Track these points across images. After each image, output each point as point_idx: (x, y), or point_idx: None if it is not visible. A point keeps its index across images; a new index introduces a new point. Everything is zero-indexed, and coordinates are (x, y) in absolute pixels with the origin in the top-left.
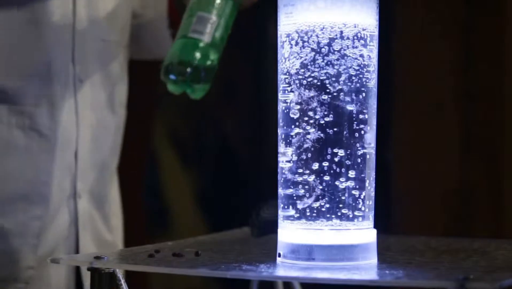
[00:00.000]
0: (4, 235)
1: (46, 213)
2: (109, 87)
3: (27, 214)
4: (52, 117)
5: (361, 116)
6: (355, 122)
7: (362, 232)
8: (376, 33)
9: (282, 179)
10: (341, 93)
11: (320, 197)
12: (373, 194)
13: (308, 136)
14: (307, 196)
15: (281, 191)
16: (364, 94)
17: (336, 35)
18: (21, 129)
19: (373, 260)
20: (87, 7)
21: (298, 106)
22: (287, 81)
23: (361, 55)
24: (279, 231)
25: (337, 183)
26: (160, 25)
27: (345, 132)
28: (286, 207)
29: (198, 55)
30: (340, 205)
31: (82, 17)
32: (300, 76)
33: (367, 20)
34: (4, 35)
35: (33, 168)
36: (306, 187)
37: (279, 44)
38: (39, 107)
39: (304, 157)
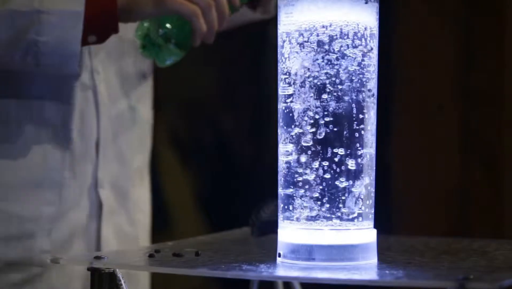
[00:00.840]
0: (18, 220)
1: (60, 198)
2: (124, 84)
3: (40, 200)
4: (64, 107)
5: (361, 116)
6: (355, 122)
7: (362, 232)
8: (376, 32)
9: (282, 179)
10: (341, 93)
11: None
12: (373, 194)
13: (308, 136)
14: (308, 196)
15: (281, 191)
16: (364, 94)
17: (336, 35)
18: (31, 120)
19: (373, 260)
20: None
21: (298, 106)
22: (287, 81)
23: (361, 55)
24: (279, 231)
25: (337, 182)
26: None
27: (345, 132)
28: (286, 207)
29: (168, 19)
30: (340, 205)
31: None
32: (300, 76)
33: (367, 20)
34: None
35: (43, 155)
36: (306, 186)
37: (279, 43)
38: (48, 99)
39: (304, 156)
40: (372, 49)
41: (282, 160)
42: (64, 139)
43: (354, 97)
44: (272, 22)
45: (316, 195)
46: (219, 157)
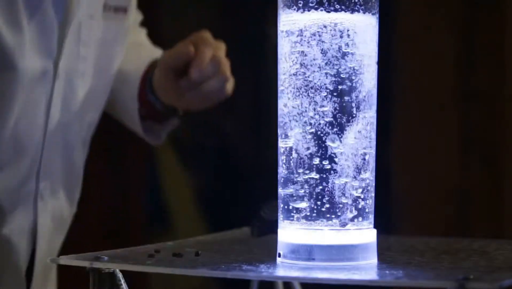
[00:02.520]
0: None
1: None
2: (70, 180)
3: None
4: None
5: (361, 115)
6: (355, 122)
7: (362, 232)
8: (376, 32)
9: (282, 178)
10: (341, 93)
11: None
12: (373, 194)
13: (308, 136)
14: (308, 196)
15: (281, 191)
16: (364, 94)
17: (336, 35)
18: None
19: (373, 260)
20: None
21: (298, 106)
22: (287, 81)
23: (361, 55)
24: (279, 231)
25: (337, 182)
26: (131, 107)
27: (345, 132)
28: (286, 207)
29: None
30: (340, 205)
31: (55, 121)
32: (300, 76)
33: (368, 19)
34: None
35: None
36: (306, 186)
37: (279, 43)
38: None
39: (304, 156)
40: (372, 48)
41: (282, 159)
42: None
43: (354, 97)
44: (272, 22)
45: (316, 194)
46: (219, 156)
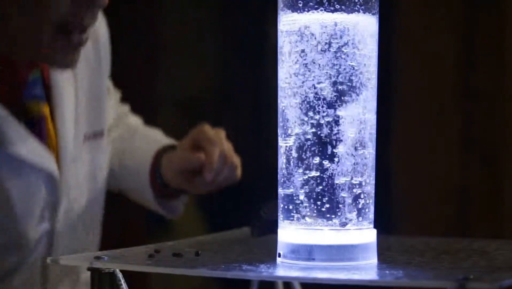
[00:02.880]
0: None
1: None
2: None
3: None
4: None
5: (361, 116)
6: (355, 122)
7: (362, 232)
8: (376, 32)
9: (282, 178)
10: (341, 93)
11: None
12: (373, 193)
13: (308, 136)
14: (308, 196)
15: (281, 191)
16: (364, 94)
17: (336, 34)
18: None
19: (373, 260)
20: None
21: (298, 106)
22: (287, 81)
23: (361, 55)
24: (279, 231)
25: (337, 182)
26: (146, 193)
27: (345, 131)
28: (286, 207)
29: None
30: (340, 205)
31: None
32: (300, 76)
33: (367, 19)
34: None
35: None
36: (306, 186)
37: (279, 43)
38: None
39: (304, 156)
40: (372, 48)
41: (282, 159)
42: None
43: (354, 97)
44: (272, 22)
45: (316, 195)
46: None
